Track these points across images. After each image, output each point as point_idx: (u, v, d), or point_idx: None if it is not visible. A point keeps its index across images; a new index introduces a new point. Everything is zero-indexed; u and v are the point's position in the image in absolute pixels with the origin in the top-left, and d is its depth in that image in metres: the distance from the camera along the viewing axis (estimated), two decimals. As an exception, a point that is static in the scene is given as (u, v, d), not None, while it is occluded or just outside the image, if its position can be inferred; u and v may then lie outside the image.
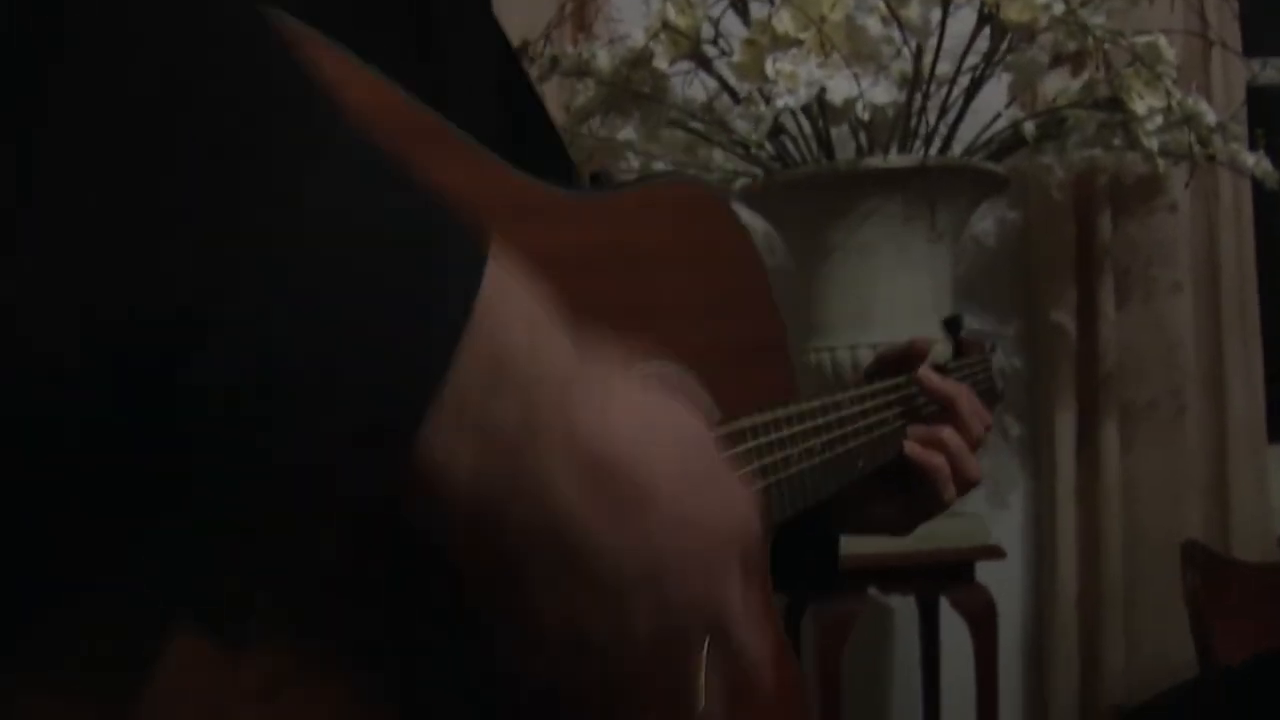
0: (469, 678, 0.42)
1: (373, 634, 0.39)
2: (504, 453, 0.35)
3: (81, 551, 0.31)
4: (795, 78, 1.35)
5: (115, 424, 0.29)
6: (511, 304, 0.35)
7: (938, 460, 0.78)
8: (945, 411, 0.80)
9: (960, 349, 0.93)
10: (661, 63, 1.44)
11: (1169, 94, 1.57)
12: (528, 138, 0.67)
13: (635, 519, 0.39)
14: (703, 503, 0.42)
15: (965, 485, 0.79)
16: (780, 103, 1.35)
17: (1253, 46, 2.07)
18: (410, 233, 0.33)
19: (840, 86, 1.39)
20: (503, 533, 0.36)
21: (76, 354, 0.28)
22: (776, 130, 1.48)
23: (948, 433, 0.79)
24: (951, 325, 0.92)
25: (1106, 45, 1.62)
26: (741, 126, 1.40)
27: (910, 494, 0.80)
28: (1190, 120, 1.62)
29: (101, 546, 0.31)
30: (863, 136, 1.62)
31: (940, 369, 0.84)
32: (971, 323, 2.00)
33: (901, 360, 0.83)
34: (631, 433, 0.39)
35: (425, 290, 0.32)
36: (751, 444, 0.61)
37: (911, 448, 0.78)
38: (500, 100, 0.65)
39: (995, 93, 1.70)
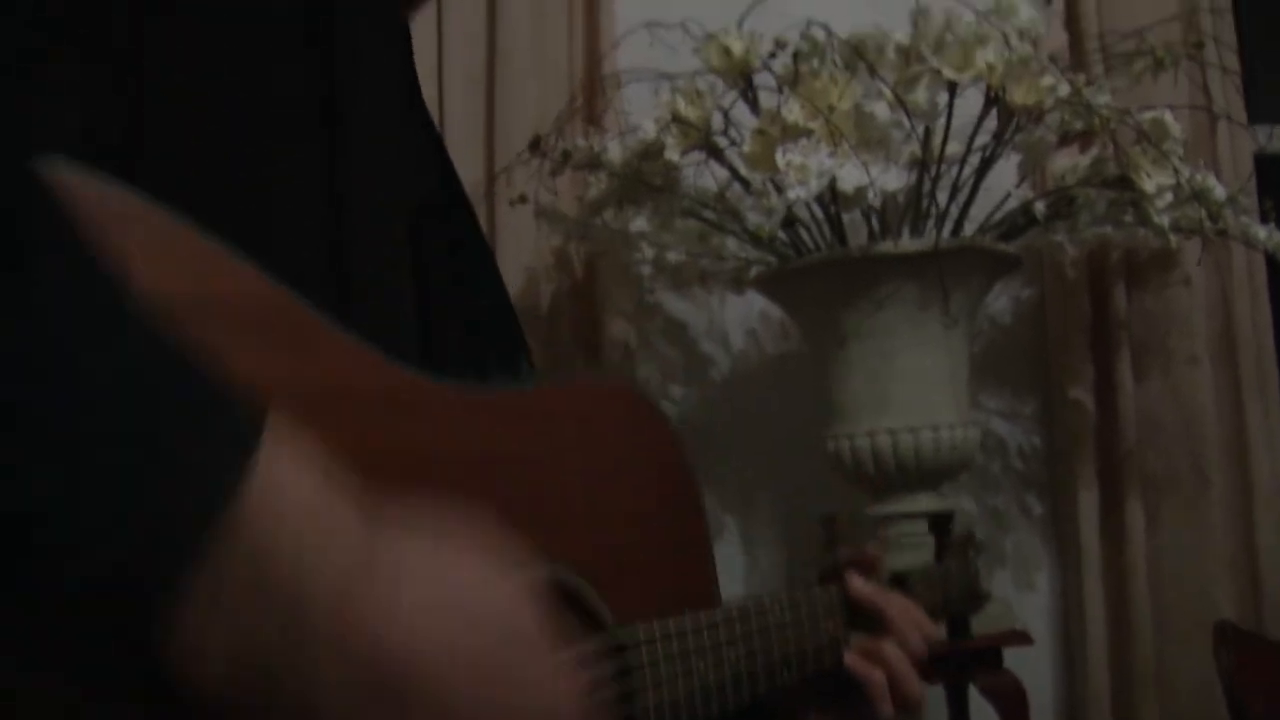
0: None
1: None
2: (263, 654, 0.33)
3: None
4: (806, 169, 1.36)
5: None
6: (287, 495, 0.34)
7: (876, 675, 0.74)
8: (881, 622, 0.77)
9: (943, 549, 0.90)
10: (673, 154, 1.45)
11: (1177, 171, 1.58)
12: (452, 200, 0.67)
13: None
14: (506, 704, 0.39)
15: (904, 705, 0.76)
16: (792, 194, 1.36)
17: (1257, 113, 2.08)
18: (180, 410, 0.32)
19: (851, 175, 1.40)
20: None
21: None
22: (789, 220, 1.48)
23: (889, 647, 0.75)
24: (937, 524, 0.90)
25: (1113, 124, 1.63)
26: (754, 219, 1.41)
27: (846, 707, 0.77)
28: (1200, 196, 1.62)
29: None
30: (875, 219, 1.62)
31: (900, 580, 0.81)
32: (989, 400, 1.99)
33: (853, 567, 0.80)
34: (421, 630, 0.37)
35: (184, 472, 0.32)
36: (645, 653, 0.59)
37: (851, 659, 0.75)
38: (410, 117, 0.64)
39: (1005, 172, 1.71)
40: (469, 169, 1.63)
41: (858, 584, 0.77)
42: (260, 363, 0.40)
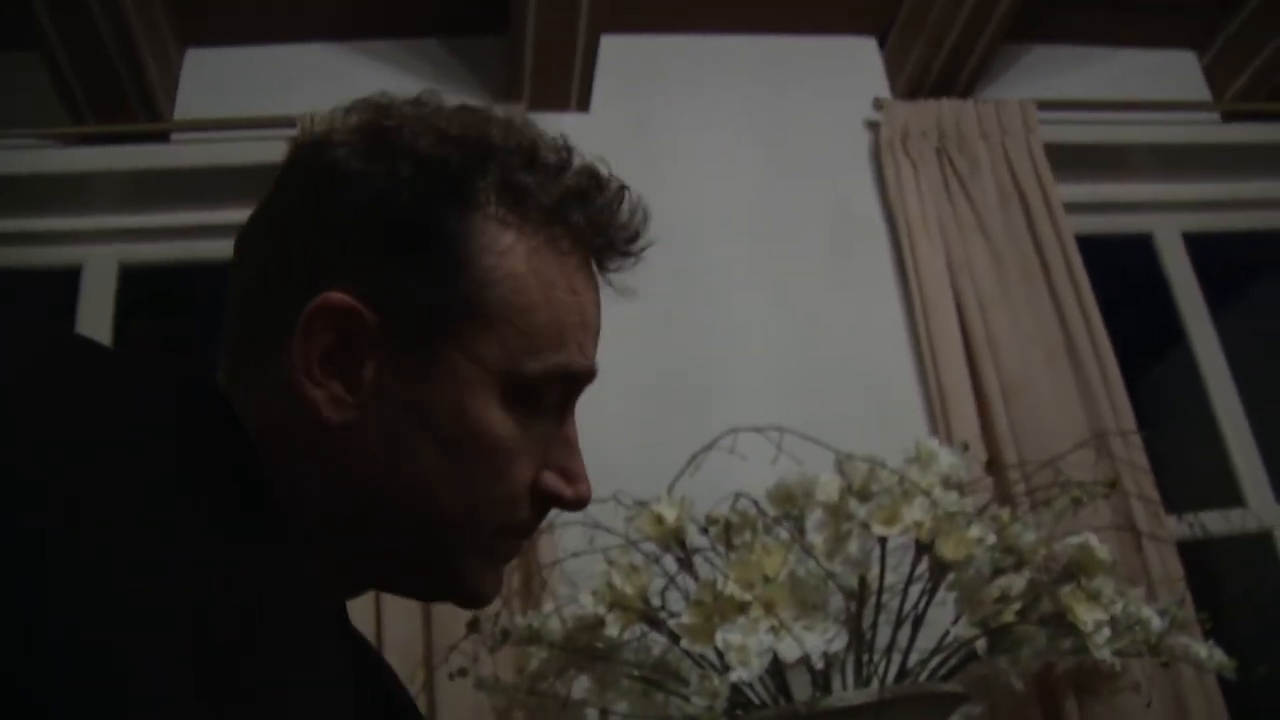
0: None
1: None
2: None
3: None
4: (746, 649, 1.36)
5: None
6: None
7: None
8: None
9: None
10: (613, 630, 1.45)
11: (1110, 609, 1.59)
12: None
13: None
14: None
15: None
16: (734, 676, 1.35)
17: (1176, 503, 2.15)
18: None
19: (791, 649, 1.40)
20: None
21: None
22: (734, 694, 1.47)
23: None
24: None
25: (1041, 556, 1.67)
26: (698, 702, 1.39)
27: None
28: (1138, 627, 1.64)
29: None
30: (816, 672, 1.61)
31: None
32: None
33: None
34: None
35: None
36: None
37: None
38: None
39: (943, 605, 1.72)
40: (408, 641, 1.62)
41: None
42: None
